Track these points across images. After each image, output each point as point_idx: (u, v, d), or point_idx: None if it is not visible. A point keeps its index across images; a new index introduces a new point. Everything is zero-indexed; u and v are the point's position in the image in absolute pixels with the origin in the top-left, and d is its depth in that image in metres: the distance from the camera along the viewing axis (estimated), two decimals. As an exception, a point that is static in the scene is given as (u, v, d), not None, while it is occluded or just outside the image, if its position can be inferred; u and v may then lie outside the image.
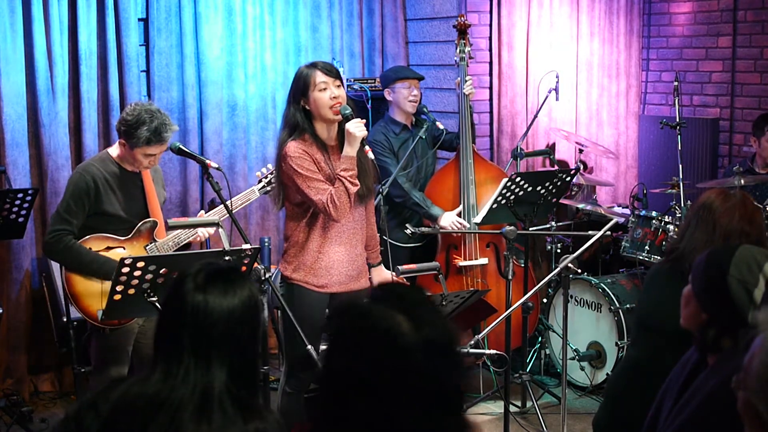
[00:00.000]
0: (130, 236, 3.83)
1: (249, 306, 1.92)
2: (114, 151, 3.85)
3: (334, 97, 3.64)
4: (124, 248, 3.81)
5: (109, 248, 3.78)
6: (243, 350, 1.90)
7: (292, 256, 3.76)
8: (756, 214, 2.89)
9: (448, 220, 4.92)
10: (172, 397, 1.81)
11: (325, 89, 3.64)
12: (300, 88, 3.69)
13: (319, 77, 3.65)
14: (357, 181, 3.62)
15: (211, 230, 3.94)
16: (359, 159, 3.67)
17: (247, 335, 1.92)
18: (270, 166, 4.28)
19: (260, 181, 4.27)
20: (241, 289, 1.92)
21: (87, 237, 3.76)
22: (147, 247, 3.85)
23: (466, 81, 5.04)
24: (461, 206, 4.99)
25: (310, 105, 3.67)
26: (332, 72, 3.70)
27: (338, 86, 3.68)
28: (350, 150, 3.60)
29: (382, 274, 3.99)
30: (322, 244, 3.72)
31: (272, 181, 4.21)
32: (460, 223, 4.93)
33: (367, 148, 3.65)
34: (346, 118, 3.60)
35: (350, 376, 1.45)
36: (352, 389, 1.44)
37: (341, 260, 3.76)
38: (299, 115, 3.68)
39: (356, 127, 3.58)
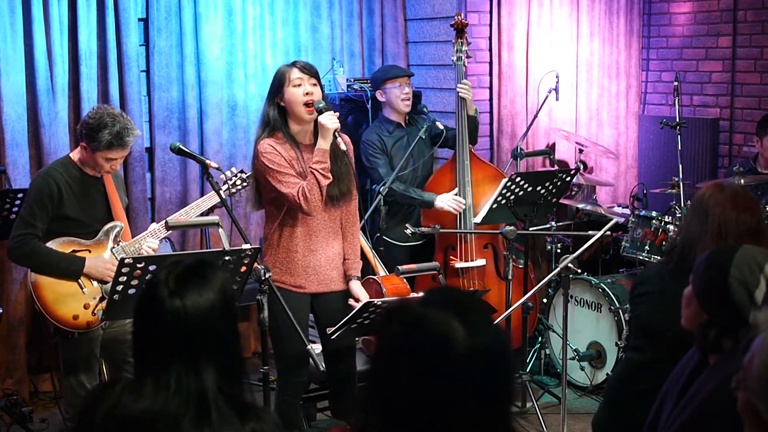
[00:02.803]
0: (95, 239, 3.80)
1: (225, 295, 1.87)
2: (76, 155, 3.81)
3: (307, 93, 3.63)
4: (90, 251, 3.78)
5: (75, 251, 3.75)
6: (227, 345, 1.86)
7: (268, 256, 3.76)
8: (752, 203, 2.82)
9: (445, 201, 4.88)
10: (167, 409, 1.77)
11: (299, 85, 3.64)
12: (276, 85, 3.70)
13: (295, 74, 3.66)
14: (329, 174, 3.59)
15: (155, 245, 3.89)
16: (336, 163, 3.65)
17: (228, 326, 1.88)
18: (234, 169, 4.29)
19: (225, 183, 4.22)
20: (213, 280, 1.87)
21: (52, 241, 3.72)
22: (113, 250, 3.82)
23: (462, 83, 4.96)
24: (457, 188, 4.95)
25: (285, 101, 3.67)
26: (309, 71, 3.70)
27: (314, 84, 3.67)
28: (323, 143, 3.58)
29: (357, 291, 3.82)
30: (297, 244, 3.71)
31: (236, 183, 4.21)
32: (457, 200, 4.88)
33: (339, 139, 3.60)
34: (320, 112, 3.59)
35: (400, 379, 1.44)
36: (402, 392, 1.44)
37: (317, 261, 3.74)
38: (273, 112, 3.68)
39: (329, 119, 3.56)
